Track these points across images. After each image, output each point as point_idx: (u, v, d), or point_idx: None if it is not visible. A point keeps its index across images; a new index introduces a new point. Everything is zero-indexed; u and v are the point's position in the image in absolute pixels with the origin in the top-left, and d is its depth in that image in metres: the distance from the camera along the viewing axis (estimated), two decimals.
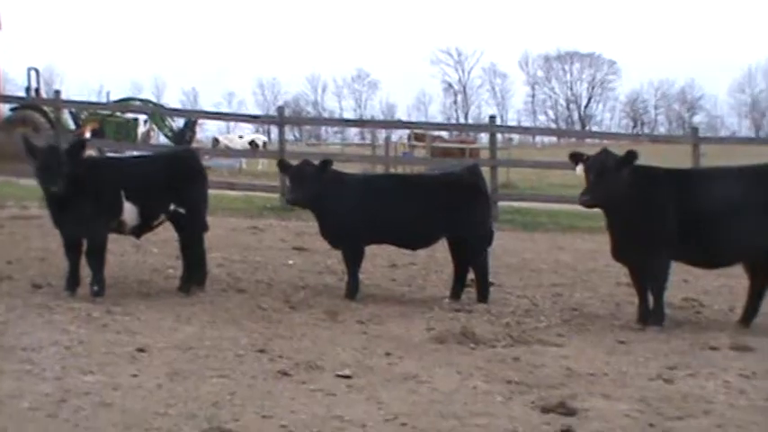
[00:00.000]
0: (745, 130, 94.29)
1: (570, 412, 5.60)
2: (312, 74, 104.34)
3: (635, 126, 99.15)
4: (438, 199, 9.20)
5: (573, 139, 69.60)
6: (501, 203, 18.23)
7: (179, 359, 6.53)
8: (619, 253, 8.50)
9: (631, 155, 8.26)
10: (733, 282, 10.69)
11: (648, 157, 8.78)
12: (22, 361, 6.31)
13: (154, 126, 31.35)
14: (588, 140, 66.60)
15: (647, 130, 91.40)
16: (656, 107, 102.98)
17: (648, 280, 8.40)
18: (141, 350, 6.70)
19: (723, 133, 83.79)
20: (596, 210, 8.67)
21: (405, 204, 9.17)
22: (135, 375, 6.08)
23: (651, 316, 8.32)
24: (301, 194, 9.34)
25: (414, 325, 8.08)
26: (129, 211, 8.73)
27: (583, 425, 5.42)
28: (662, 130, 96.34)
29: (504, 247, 13.03)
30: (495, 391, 6.10)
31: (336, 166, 9.69)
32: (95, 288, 8.47)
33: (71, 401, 5.45)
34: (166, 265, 10.27)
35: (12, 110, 27.69)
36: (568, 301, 9.40)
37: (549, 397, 5.90)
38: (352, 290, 9.15)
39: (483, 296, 9.19)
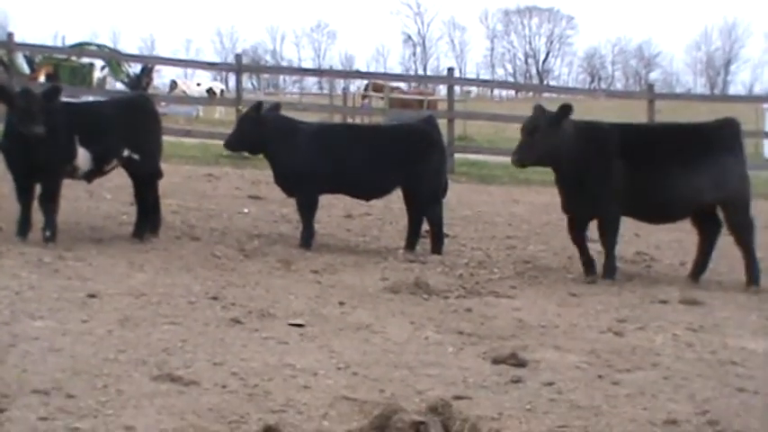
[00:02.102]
0: (701, 87, 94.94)
1: (521, 363, 5.65)
2: (271, 24, 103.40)
3: (592, 81, 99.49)
4: (393, 150, 9.17)
5: (530, 93, 69.85)
6: (457, 156, 18.24)
7: (130, 305, 6.49)
8: (568, 207, 8.55)
9: (564, 109, 8.31)
10: (684, 236, 10.81)
11: (605, 112, 8.85)
12: None
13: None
14: (546, 95, 66.80)
15: (603, 86, 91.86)
16: (613, 63, 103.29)
17: (600, 234, 8.47)
18: (92, 296, 6.65)
19: (679, 90, 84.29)
20: None
21: (359, 155, 9.14)
22: (85, 321, 6.03)
23: (603, 269, 8.40)
24: (236, 139, 9.52)
25: (368, 275, 8.09)
26: (83, 156, 8.62)
27: (533, 376, 5.47)
28: (619, 85, 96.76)
29: (460, 199, 13.09)
30: (446, 341, 6.14)
31: (295, 116, 9.64)
32: (47, 233, 8.37)
33: (20, 346, 5.40)
34: (120, 212, 10.18)
35: None
36: (522, 254, 9.47)
37: (501, 348, 5.95)
38: (307, 239, 9.13)
39: (437, 248, 9.22)
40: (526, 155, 8.38)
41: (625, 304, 7.52)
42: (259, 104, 9.54)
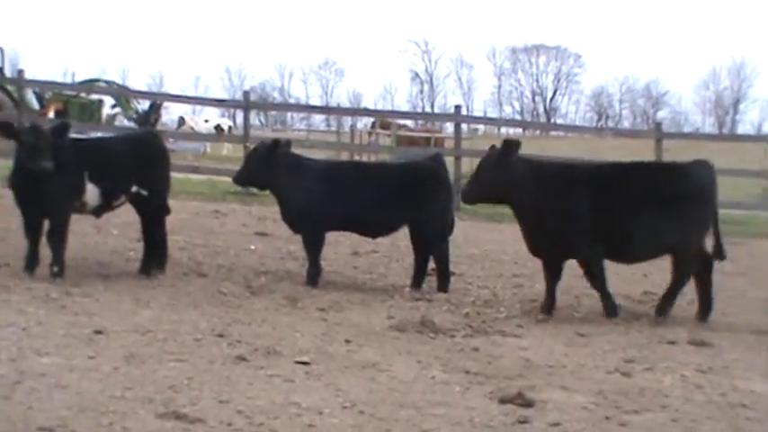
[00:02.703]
0: (709, 126, 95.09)
1: (528, 403, 5.62)
2: (279, 61, 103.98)
3: (599, 120, 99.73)
4: (400, 188, 9.19)
5: (538, 132, 70.03)
6: None
7: (137, 342, 6.48)
8: (532, 249, 8.61)
9: (507, 145, 8.35)
10: (692, 278, 10.79)
11: (612, 150, 8.85)
12: None
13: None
14: (553, 133, 67.09)
15: (611, 125, 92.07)
16: (620, 102, 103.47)
17: (588, 277, 8.52)
18: (99, 332, 6.64)
19: (687, 129, 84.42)
20: None
21: (366, 192, 9.15)
22: (92, 358, 6.02)
23: (604, 310, 8.44)
24: (244, 175, 9.55)
25: (374, 313, 8.08)
26: (92, 192, 8.66)
27: (540, 416, 5.45)
28: (626, 124, 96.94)
29: (466, 237, 13.08)
30: (453, 380, 6.11)
31: (302, 153, 9.67)
32: (55, 269, 8.38)
33: (26, 383, 5.39)
34: (127, 248, 10.19)
35: None
36: (529, 293, 9.44)
37: (508, 388, 5.92)
38: (313, 277, 9.12)
39: (443, 286, 9.20)
40: (469, 192, 8.42)
41: (633, 344, 7.48)
42: (276, 142, 9.57)
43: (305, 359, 6.32)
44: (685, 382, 6.42)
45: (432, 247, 9.23)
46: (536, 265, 11.09)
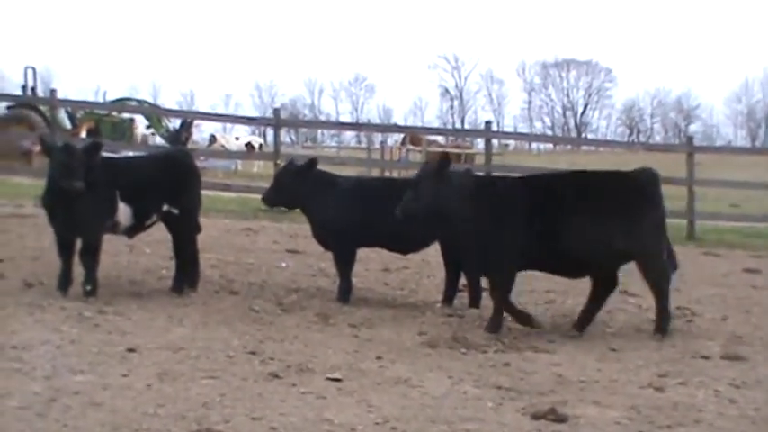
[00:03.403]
0: (741, 140, 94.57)
1: (561, 419, 5.60)
2: (309, 77, 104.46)
3: (630, 134, 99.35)
4: None
5: (569, 146, 69.87)
6: None
7: (170, 360, 6.51)
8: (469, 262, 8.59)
9: (442, 162, 8.34)
10: (725, 291, 10.74)
11: (643, 165, 8.76)
12: (13, 359, 6.30)
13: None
14: (584, 147, 66.91)
15: (642, 139, 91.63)
16: (652, 116, 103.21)
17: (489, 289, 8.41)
18: (132, 350, 6.69)
19: (719, 143, 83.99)
20: None
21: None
22: (125, 375, 6.06)
23: (489, 322, 8.21)
24: (273, 194, 9.67)
25: (405, 329, 8.07)
26: (124, 212, 8.72)
27: (573, 431, 5.42)
28: (658, 138, 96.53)
29: None
30: (485, 396, 6.10)
31: (332, 170, 9.70)
32: (88, 288, 8.45)
33: (61, 401, 5.44)
34: (159, 266, 10.26)
35: (8, 108, 27.70)
36: (560, 308, 9.40)
37: (540, 403, 5.90)
38: (344, 293, 9.14)
39: (475, 301, 9.18)
40: (405, 209, 8.26)
41: (666, 359, 7.43)
42: (312, 162, 9.61)
43: (337, 376, 6.33)
44: (719, 396, 6.37)
45: (463, 263, 9.21)
46: (568, 280, 11.09)
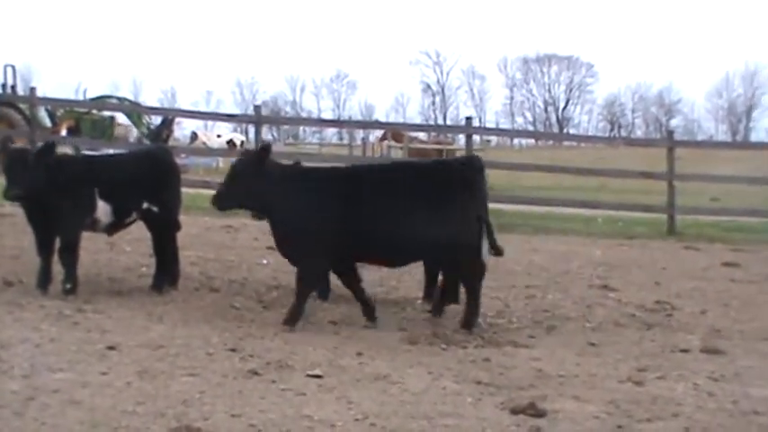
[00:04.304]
0: (722, 134, 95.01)
1: (540, 414, 5.62)
2: (291, 74, 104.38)
3: (612, 129, 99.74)
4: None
5: (550, 142, 70.11)
6: None
7: (149, 357, 6.50)
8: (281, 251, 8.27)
9: (263, 150, 8.18)
10: (705, 285, 10.80)
11: (624, 159, 8.85)
12: None
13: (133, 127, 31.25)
14: (566, 143, 67.13)
15: (624, 133, 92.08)
16: (633, 110, 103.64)
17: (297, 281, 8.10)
18: (111, 348, 6.67)
19: (700, 137, 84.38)
20: (571, 211, 8.70)
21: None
22: (105, 373, 6.05)
23: (288, 312, 7.94)
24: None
25: (386, 326, 8.08)
26: (103, 209, 8.70)
27: (552, 426, 5.45)
28: (639, 133, 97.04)
29: None
30: (465, 391, 6.11)
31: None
32: (68, 286, 8.42)
33: (39, 399, 5.43)
34: (139, 264, 10.23)
35: None
36: (540, 303, 9.43)
37: (519, 398, 5.92)
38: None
39: (453, 297, 9.17)
40: (219, 199, 8.13)
41: (645, 353, 7.47)
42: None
43: (317, 372, 6.33)
44: (698, 390, 6.41)
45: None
46: (548, 275, 11.17)
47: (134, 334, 7.19)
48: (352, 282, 8.24)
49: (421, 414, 5.56)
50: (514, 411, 5.66)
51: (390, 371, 6.52)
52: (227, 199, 8.12)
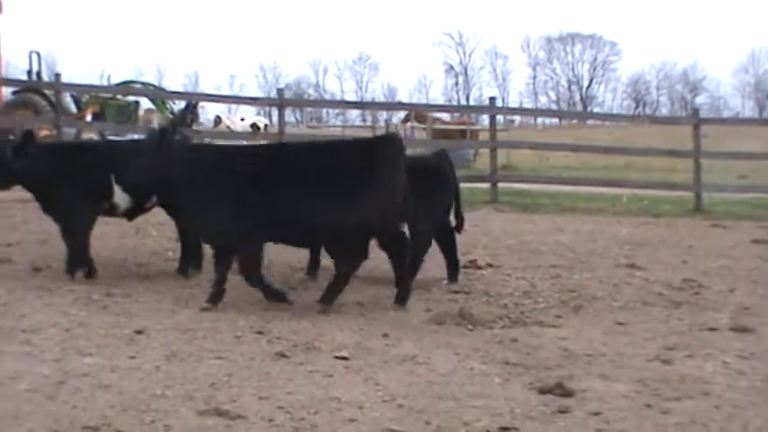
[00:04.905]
0: (749, 110, 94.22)
1: (567, 393, 5.61)
2: (313, 57, 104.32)
3: (637, 107, 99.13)
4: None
5: (574, 121, 69.77)
6: (501, 185, 18.23)
7: (177, 341, 6.54)
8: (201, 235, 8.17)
9: (171, 126, 8.23)
10: (732, 263, 10.71)
11: (649, 137, 8.77)
12: (22, 343, 6.34)
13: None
14: (590, 122, 66.75)
15: (648, 111, 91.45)
16: (658, 88, 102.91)
17: (239, 265, 7.89)
18: (140, 332, 6.72)
19: (726, 114, 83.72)
20: (597, 190, 8.65)
21: None
22: (133, 357, 6.09)
23: (266, 296, 7.86)
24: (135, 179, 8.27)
25: (412, 307, 8.08)
26: (120, 194, 8.71)
27: (580, 406, 5.43)
28: (664, 111, 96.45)
29: (504, 228, 13.06)
30: (492, 372, 6.11)
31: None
32: (67, 270, 8.53)
33: (70, 383, 5.47)
34: (165, 248, 10.27)
35: (13, 93, 27.69)
36: (567, 283, 9.39)
37: (547, 378, 5.91)
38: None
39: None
40: (130, 180, 8.11)
41: (673, 332, 7.43)
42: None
43: (344, 354, 6.34)
44: (727, 368, 6.37)
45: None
46: (574, 255, 11.12)
47: (161, 318, 7.22)
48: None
49: (449, 395, 5.56)
50: (542, 391, 5.66)
51: (417, 352, 6.52)
52: (136, 180, 8.05)
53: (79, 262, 8.58)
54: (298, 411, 5.15)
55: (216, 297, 7.74)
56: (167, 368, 5.87)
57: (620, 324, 7.71)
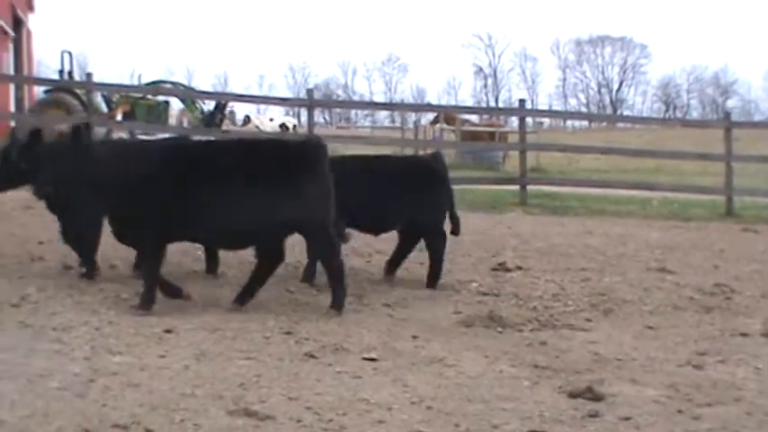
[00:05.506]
0: None
1: (597, 397, 5.57)
2: (342, 58, 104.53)
3: (667, 110, 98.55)
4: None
5: (604, 123, 69.42)
6: (530, 187, 18.18)
7: (206, 340, 6.54)
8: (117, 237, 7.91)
9: (75, 130, 7.67)
10: (764, 267, 10.62)
11: (680, 141, 8.71)
12: (53, 341, 6.36)
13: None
14: (620, 124, 66.43)
15: (679, 115, 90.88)
16: (688, 91, 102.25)
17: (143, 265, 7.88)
18: (169, 331, 6.72)
19: (757, 118, 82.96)
20: (627, 193, 8.61)
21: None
22: (162, 356, 6.10)
23: (140, 299, 7.55)
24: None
25: (440, 308, 8.06)
26: None
27: (610, 410, 5.39)
28: (695, 114, 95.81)
29: (533, 231, 13.02)
30: (521, 375, 6.08)
31: (367, 151, 9.60)
32: (82, 270, 8.55)
33: (99, 381, 5.49)
34: (195, 247, 10.27)
35: (45, 92, 27.95)
36: (597, 286, 9.33)
37: (577, 382, 5.87)
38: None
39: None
40: (41, 188, 7.80)
41: (704, 337, 7.37)
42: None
43: (372, 355, 6.33)
44: (759, 374, 6.31)
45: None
46: (604, 258, 11.06)
47: (190, 317, 7.23)
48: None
49: (477, 398, 5.54)
50: (572, 395, 5.61)
51: (446, 354, 6.50)
52: (48, 187, 7.76)
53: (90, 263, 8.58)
54: (326, 412, 5.14)
55: (148, 300, 7.49)
56: (197, 368, 5.87)
57: (651, 328, 7.66)
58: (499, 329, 7.38)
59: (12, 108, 29.02)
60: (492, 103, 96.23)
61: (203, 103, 31.79)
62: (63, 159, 7.57)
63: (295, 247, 10.82)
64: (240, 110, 46.41)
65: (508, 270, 9.82)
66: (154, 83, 30.74)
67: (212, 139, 12.07)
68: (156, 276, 7.64)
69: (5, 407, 4.97)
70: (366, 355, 6.32)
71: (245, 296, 7.77)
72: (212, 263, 9.12)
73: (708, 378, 6.16)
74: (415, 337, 6.98)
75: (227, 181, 7.46)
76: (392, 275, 9.20)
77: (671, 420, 5.26)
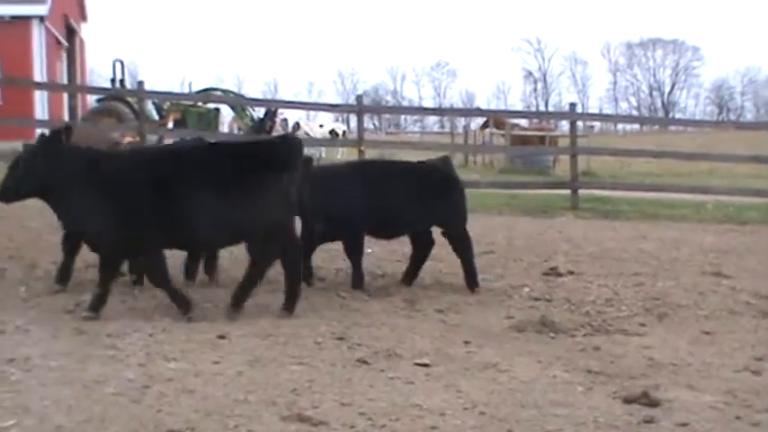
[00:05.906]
0: None
1: (653, 403, 5.50)
2: (391, 64, 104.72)
3: (720, 113, 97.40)
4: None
5: (655, 127, 68.80)
6: (582, 192, 18.05)
7: (259, 346, 6.57)
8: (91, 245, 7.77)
9: (53, 134, 7.54)
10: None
11: (734, 143, 8.60)
12: (108, 347, 6.42)
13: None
14: (672, 128, 65.80)
15: (732, 117, 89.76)
16: (742, 94, 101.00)
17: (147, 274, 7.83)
18: (222, 337, 6.75)
19: None
20: (680, 197, 8.51)
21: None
22: (216, 362, 6.13)
23: (90, 302, 7.47)
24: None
25: (492, 313, 8.03)
26: None
27: (666, 416, 5.32)
28: (749, 116, 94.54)
29: (585, 235, 12.91)
30: (575, 380, 6.03)
31: (416, 156, 9.62)
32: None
33: (154, 387, 5.53)
34: (245, 254, 10.32)
35: (98, 101, 28.29)
36: (650, 291, 9.22)
37: (631, 387, 5.81)
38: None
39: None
40: (4, 191, 7.59)
41: (762, 342, 7.26)
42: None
43: (425, 361, 6.31)
44: None
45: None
46: (658, 263, 10.93)
47: (242, 323, 7.26)
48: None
49: (531, 403, 5.50)
50: (627, 401, 5.56)
51: (499, 359, 6.46)
52: (12, 190, 7.60)
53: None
54: (379, 418, 5.13)
55: (98, 304, 7.46)
56: (250, 373, 5.90)
57: (707, 333, 7.56)
58: (551, 335, 7.33)
59: (65, 117, 29.42)
60: (542, 108, 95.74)
61: (253, 110, 31.96)
62: (30, 165, 7.47)
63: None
64: (290, 117, 46.73)
65: (560, 275, 9.76)
66: (204, 90, 30.98)
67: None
68: (110, 284, 7.55)
69: (62, 412, 5.03)
70: (418, 361, 6.31)
71: (237, 302, 7.64)
72: (211, 264, 9.14)
73: (766, 384, 6.06)
74: (467, 342, 6.96)
75: (190, 186, 7.35)
76: (409, 286, 9.16)
77: (729, 427, 5.19)
